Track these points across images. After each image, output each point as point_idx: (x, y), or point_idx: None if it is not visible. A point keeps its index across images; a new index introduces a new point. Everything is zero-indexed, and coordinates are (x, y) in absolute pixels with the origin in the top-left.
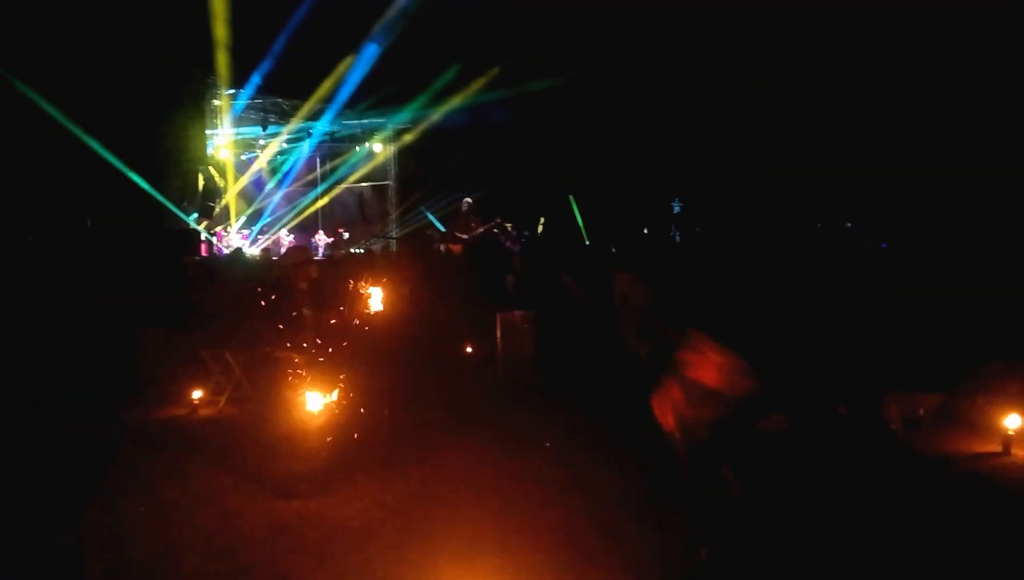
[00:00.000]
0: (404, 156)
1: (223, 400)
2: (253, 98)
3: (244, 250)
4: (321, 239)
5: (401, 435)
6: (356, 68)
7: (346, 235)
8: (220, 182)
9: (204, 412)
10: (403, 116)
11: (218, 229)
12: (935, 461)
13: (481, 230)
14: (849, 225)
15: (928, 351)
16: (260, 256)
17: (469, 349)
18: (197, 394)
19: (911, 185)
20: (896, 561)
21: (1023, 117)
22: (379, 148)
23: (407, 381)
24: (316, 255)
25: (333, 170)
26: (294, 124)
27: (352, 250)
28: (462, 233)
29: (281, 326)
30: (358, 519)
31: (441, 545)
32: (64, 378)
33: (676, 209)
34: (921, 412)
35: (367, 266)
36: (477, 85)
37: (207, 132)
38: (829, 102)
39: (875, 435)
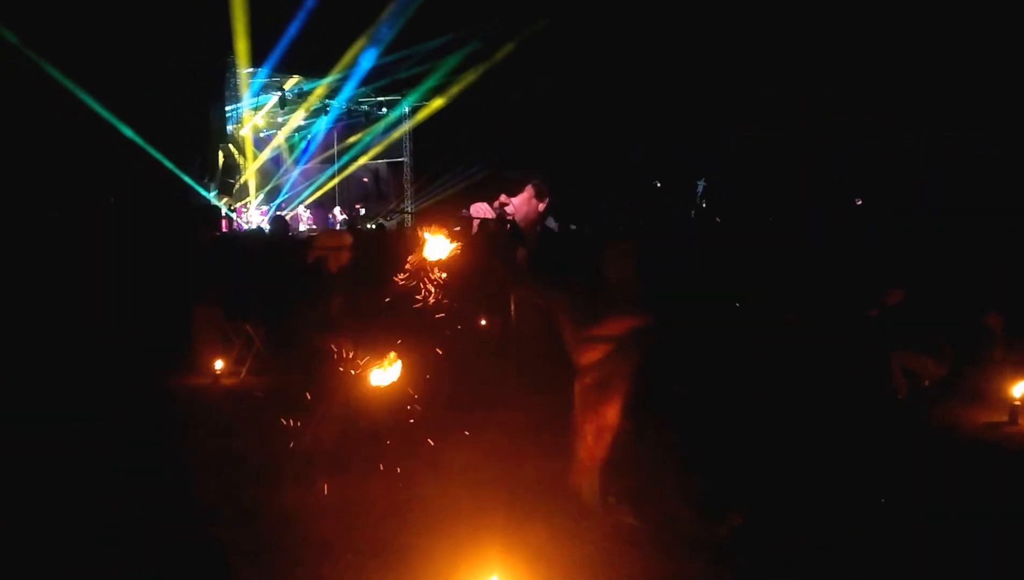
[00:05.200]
0: (419, 133)
1: (244, 370)
2: (271, 76)
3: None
4: (338, 215)
5: None
6: (372, 46)
7: (362, 211)
8: (239, 159)
9: (226, 382)
10: (418, 93)
11: (238, 205)
12: (940, 429)
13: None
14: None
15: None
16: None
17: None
18: (219, 364)
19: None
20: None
21: None
22: (396, 122)
23: None
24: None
25: (350, 147)
26: (311, 101)
27: (369, 226)
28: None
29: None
30: None
31: None
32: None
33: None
34: (927, 382)
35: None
36: (491, 62)
37: (226, 110)
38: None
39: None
